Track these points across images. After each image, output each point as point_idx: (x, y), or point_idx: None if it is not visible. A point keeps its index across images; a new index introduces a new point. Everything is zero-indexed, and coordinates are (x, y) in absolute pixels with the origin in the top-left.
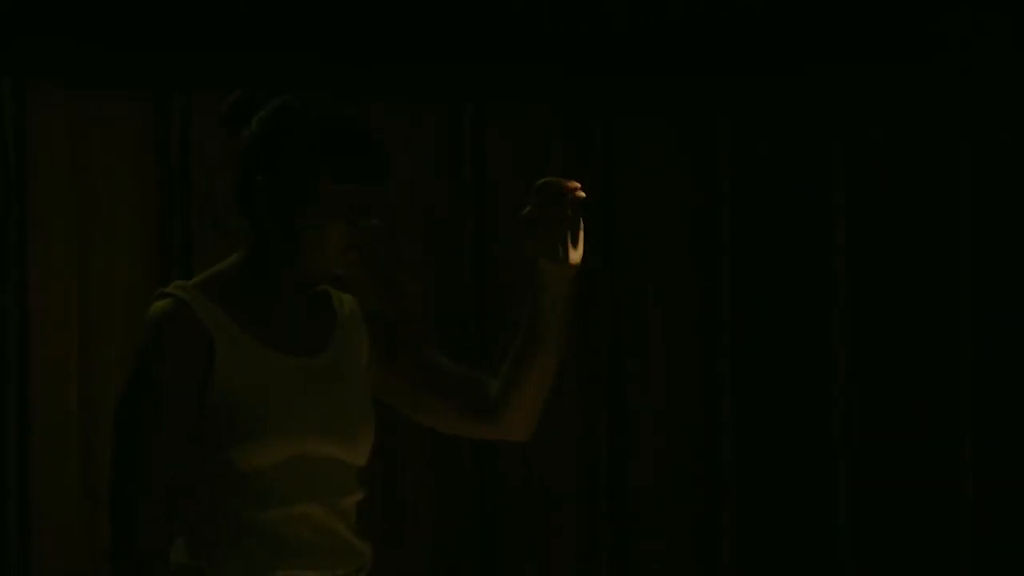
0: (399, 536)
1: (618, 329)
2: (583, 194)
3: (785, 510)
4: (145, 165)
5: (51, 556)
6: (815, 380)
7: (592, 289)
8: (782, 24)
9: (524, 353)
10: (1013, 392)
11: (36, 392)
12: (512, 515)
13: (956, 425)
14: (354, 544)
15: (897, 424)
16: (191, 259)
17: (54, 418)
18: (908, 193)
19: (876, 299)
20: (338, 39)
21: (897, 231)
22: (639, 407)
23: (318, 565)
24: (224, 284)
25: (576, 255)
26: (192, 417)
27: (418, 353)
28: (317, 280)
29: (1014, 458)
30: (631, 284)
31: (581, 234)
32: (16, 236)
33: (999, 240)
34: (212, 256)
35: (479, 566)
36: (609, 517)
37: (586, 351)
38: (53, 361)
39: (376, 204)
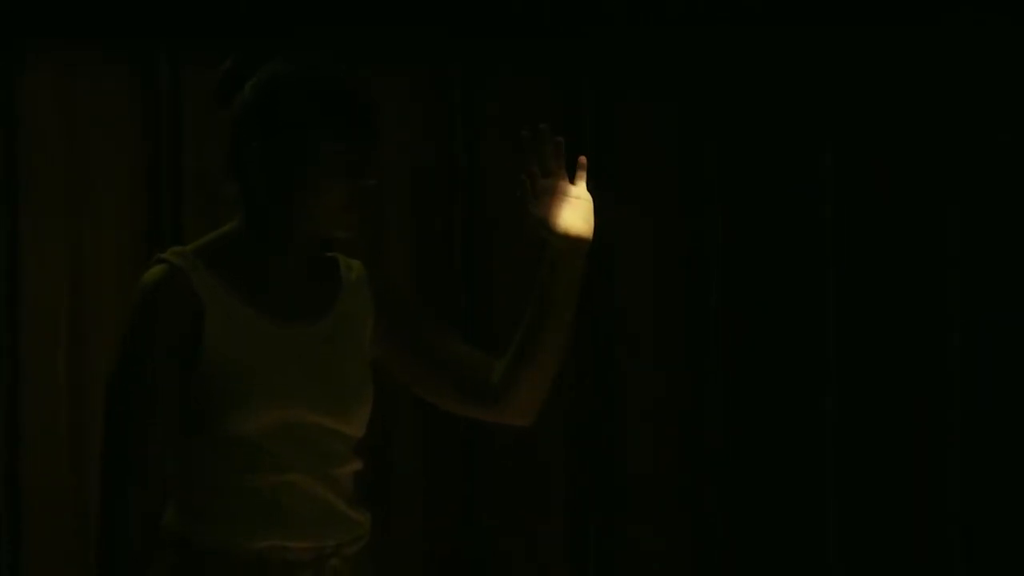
0: (387, 520)
1: (613, 325)
2: (584, 158)
3: (780, 508)
4: (137, 144)
5: (41, 535)
6: (811, 377)
7: (588, 284)
8: (783, 24)
9: (530, 332)
10: (1006, 390)
11: (26, 371)
12: (505, 498)
13: (946, 425)
14: (348, 514)
15: (891, 422)
16: (183, 240)
17: (44, 396)
18: (906, 193)
19: (869, 297)
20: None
21: (894, 232)
22: (633, 405)
23: (307, 534)
24: (221, 250)
25: (580, 226)
26: (184, 385)
27: (422, 329)
28: (316, 242)
29: (1006, 457)
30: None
31: (588, 206)
32: (6, 216)
33: (999, 240)
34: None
35: (469, 549)
36: (604, 514)
37: (582, 347)
38: (43, 340)
39: (370, 164)
